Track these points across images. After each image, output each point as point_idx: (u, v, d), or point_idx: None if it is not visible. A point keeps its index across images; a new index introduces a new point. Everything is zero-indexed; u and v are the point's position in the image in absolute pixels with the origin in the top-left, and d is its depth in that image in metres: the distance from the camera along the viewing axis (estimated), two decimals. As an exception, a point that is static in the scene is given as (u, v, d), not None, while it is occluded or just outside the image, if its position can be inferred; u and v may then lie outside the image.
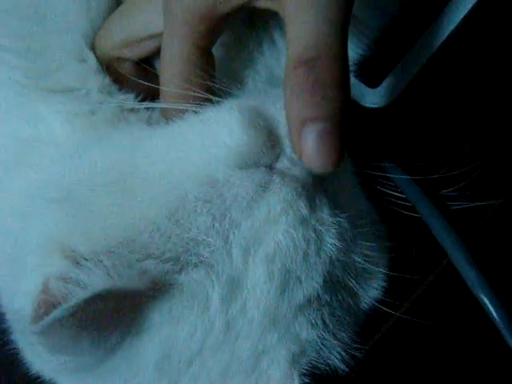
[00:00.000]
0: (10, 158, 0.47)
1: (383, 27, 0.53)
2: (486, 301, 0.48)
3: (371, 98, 0.54)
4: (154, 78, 0.48)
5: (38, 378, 0.47)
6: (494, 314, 0.48)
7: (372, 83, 0.54)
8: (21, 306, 0.41)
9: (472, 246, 0.49)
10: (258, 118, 0.42)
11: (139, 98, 0.50)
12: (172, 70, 0.45)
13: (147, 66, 0.50)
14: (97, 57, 0.49)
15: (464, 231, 0.50)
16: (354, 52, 0.53)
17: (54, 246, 0.40)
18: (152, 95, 0.49)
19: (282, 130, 0.43)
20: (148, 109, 0.49)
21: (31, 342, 0.41)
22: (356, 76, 0.54)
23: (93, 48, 0.49)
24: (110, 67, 0.49)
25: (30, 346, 0.44)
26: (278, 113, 0.43)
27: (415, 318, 0.46)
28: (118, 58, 0.49)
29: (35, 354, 0.44)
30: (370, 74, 0.54)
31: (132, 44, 0.48)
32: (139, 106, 0.48)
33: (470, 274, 0.49)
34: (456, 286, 0.49)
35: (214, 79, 0.45)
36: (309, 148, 0.37)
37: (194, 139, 0.42)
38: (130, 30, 0.48)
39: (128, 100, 0.49)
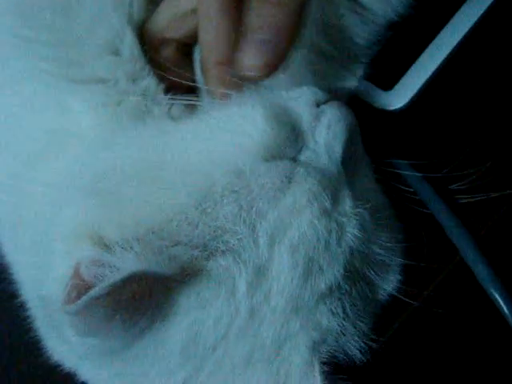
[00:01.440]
0: (40, 148, 0.48)
1: (389, 15, 0.54)
2: (497, 296, 0.49)
3: (385, 100, 0.55)
4: (191, 69, 0.50)
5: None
6: (505, 309, 0.49)
7: (386, 85, 0.55)
8: (49, 292, 0.42)
9: (484, 242, 0.50)
10: (280, 113, 0.44)
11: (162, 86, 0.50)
12: (208, 19, 0.46)
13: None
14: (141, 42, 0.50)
15: (476, 227, 0.51)
16: (363, 39, 0.53)
17: (84, 233, 0.41)
18: (180, 87, 0.50)
19: (305, 123, 0.45)
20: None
21: (58, 326, 0.42)
22: (369, 78, 0.55)
23: (139, 35, 0.50)
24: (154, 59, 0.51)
25: (55, 332, 0.45)
26: (300, 107, 0.45)
27: (427, 315, 0.47)
28: (163, 43, 0.50)
29: (61, 340, 0.45)
30: (384, 77, 0.55)
31: (177, 22, 0.50)
32: (185, 101, 0.49)
33: (480, 270, 0.50)
34: (468, 281, 0.50)
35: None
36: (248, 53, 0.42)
37: (221, 132, 0.43)
38: (175, 9, 0.50)
39: (150, 88, 0.50)
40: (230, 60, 0.46)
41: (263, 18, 0.43)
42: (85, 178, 0.44)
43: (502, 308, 0.49)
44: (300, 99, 0.45)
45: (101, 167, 0.44)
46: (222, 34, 0.46)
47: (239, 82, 0.46)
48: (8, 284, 0.51)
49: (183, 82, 0.49)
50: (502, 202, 0.52)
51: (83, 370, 0.48)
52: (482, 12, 0.54)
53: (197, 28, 0.48)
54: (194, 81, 0.51)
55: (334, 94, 0.49)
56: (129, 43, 0.49)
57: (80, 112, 0.48)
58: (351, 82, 0.54)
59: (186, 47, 0.52)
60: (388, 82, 0.55)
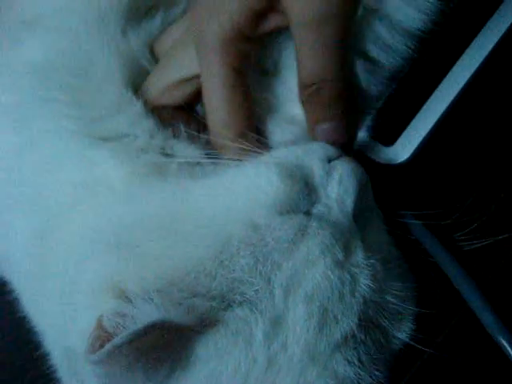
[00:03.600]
0: (68, 201, 0.50)
1: (395, 67, 0.56)
2: (504, 343, 0.50)
3: (386, 155, 0.56)
4: (196, 122, 0.53)
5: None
6: None
7: (388, 141, 0.57)
8: (73, 344, 0.44)
9: (490, 288, 0.51)
10: (294, 169, 0.46)
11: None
12: (216, 98, 0.50)
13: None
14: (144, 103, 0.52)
15: (482, 273, 0.52)
16: (368, 89, 0.56)
17: (107, 286, 0.43)
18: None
19: (317, 179, 0.47)
20: None
21: (81, 376, 0.44)
22: (371, 134, 0.57)
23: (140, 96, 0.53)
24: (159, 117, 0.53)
25: (78, 380, 0.46)
26: (313, 163, 0.47)
27: (438, 363, 0.48)
28: (162, 107, 0.53)
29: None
30: (386, 132, 0.57)
31: (169, 91, 0.52)
32: (201, 160, 0.51)
33: (486, 318, 0.51)
34: (477, 329, 0.51)
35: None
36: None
37: (237, 189, 0.46)
38: (166, 78, 0.53)
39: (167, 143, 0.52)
40: (248, 129, 0.50)
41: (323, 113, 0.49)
42: (108, 233, 0.46)
43: (510, 354, 0.49)
44: (312, 155, 0.48)
45: (123, 222, 0.46)
46: (236, 108, 0.50)
47: (260, 148, 0.49)
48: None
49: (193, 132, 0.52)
50: (507, 247, 0.53)
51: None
52: (480, 61, 0.55)
53: (190, 93, 0.52)
54: (198, 131, 0.53)
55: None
56: (140, 104, 0.52)
57: (103, 166, 0.50)
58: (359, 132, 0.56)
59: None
60: (389, 137, 0.57)
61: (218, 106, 0.50)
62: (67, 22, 0.53)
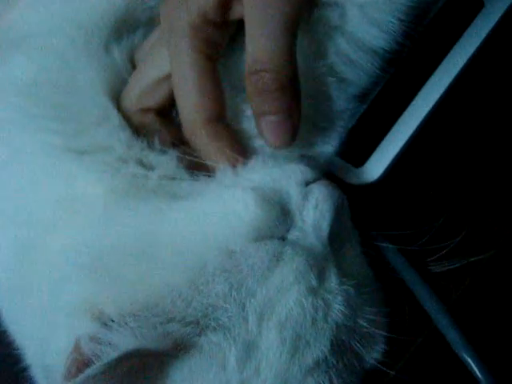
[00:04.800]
0: (49, 218, 0.50)
1: (361, 84, 0.56)
2: (469, 360, 0.51)
3: (357, 176, 0.57)
4: (175, 129, 0.53)
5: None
6: (477, 372, 0.51)
7: (358, 161, 0.57)
8: (51, 363, 0.45)
9: (455, 307, 0.53)
10: (270, 194, 0.47)
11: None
12: (186, 83, 0.49)
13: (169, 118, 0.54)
14: (123, 114, 0.52)
15: (447, 293, 0.54)
16: (338, 106, 0.56)
17: (85, 308, 0.44)
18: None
19: (294, 203, 0.47)
20: None
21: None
22: (341, 155, 0.58)
23: (119, 108, 0.53)
24: (137, 127, 0.53)
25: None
26: (289, 187, 0.48)
27: (408, 377, 0.49)
28: (142, 111, 0.53)
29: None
30: (356, 153, 0.57)
31: (147, 93, 0.52)
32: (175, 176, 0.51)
33: (452, 336, 0.52)
34: (443, 346, 0.52)
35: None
36: (265, 132, 0.48)
37: (213, 214, 0.46)
38: (143, 81, 0.53)
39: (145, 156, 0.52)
40: (219, 115, 0.49)
41: (268, 104, 0.47)
42: (86, 255, 0.46)
43: (475, 371, 0.50)
44: (289, 179, 0.48)
45: (100, 245, 0.47)
46: (207, 92, 0.49)
47: (232, 135, 0.50)
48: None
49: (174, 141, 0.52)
50: (471, 268, 0.54)
51: None
52: (450, 81, 0.56)
53: (169, 92, 0.51)
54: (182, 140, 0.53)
55: (313, 162, 0.53)
56: (116, 116, 0.52)
57: (83, 181, 0.50)
58: (328, 147, 0.56)
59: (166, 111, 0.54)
60: (360, 158, 0.57)
61: (188, 91, 0.49)
62: (54, 41, 0.53)
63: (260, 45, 0.46)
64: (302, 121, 0.49)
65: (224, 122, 0.51)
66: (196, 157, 0.51)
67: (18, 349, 0.53)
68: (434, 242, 0.52)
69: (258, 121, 0.48)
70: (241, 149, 0.50)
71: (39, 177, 0.52)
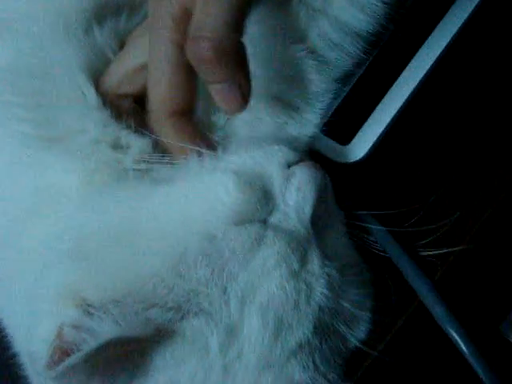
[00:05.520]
0: (28, 206, 0.50)
1: (344, 66, 0.56)
2: (454, 334, 0.51)
3: (343, 154, 0.57)
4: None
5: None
6: (463, 346, 0.51)
7: (344, 140, 0.57)
8: (36, 350, 0.45)
9: (440, 284, 0.53)
10: (252, 177, 0.47)
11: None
12: (159, 72, 0.49)
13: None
14: (100, 95, 0.51)
15: (432, 270, 0.54)
16: (319, 88, 0.56)
17: (67, 295, 0.44)
18: None
19: (276, 186, 0.47)
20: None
21: (45, 382, 0.45)
22: (327, 133, 0.57)
23: (97, 89, 0.52)
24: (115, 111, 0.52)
25: (43, 385, 0.48)
26: (271, 169, 0.48)
27: (393, 353, 0.49)
28: (120, 96, 0.52)
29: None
30: (342, 131, 0.57)
31: (126, 79, 0.52)
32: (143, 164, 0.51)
33: (437, 311, 0.52)
34: (428, 322, 0.52)
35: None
36: (217, 101, 0.46)
37: (194, 198, 0.46)
38: (125, 65, 0.52)
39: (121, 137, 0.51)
40: (187, 109, 0.49)
41: (212, 74, 0.46)
42: (66, 241, 0.46)
43: (460, 346, 0.51)
44: (271, 161, 0.48)
45: (80, 231, 0.46)
46: (177, 85, 0.49)
47: (195, 133, 0.49)
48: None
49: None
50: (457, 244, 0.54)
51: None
52: (435, 59, 0.55)
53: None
54: None
55: (294, 143, 0.53)
56: (93, 95, 0.51)
57: (61, 170, 0.50)
58: (309, 129, 0.56)
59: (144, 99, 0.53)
60: (346, 136, 0.57)
61: (159, 81, 0.49)
62: (32, 26, 0.52)
63: (206, 12, 0.45)
64: (282, 103, 0.48)
65: (190, 117, 0.50)
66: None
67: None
68: (422, 223, 0.52)
69: (209, 89, 0.47)
70: (203, 143, 0.49)
71: (15, 167, 0.52)
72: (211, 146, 0.50)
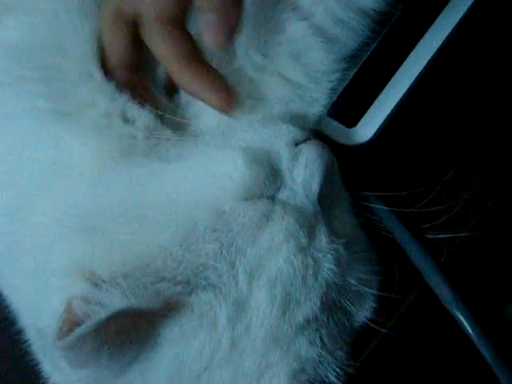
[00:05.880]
0: (40, 181, 0.50)
1: (351, 44, 0.56)
2: (460, 317, 0.51)
3: (349, 137, 0.56)
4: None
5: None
6: (469, 328, 0.51)
7: (350, 122, 0.57)
8: (44, 324, 0.45)
9: (446, 267, 0.52)
10: (260, 154, 0.47)
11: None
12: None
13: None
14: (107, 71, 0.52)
15: (438, 253, 0.53)
16: (326, 66, 0.56)
17: (76, 269, 0.44)
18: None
19: (284, 163, 0.47)
20: None
21: (53, 357, 0.45)
22: (333, 115, 0.57)
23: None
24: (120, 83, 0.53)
25: (50, 360, 0.48)
26: (279, 147, 0.48)
27: (399, 334, 0.49)
28: (123, 68, 0.53)
29: (56, 368, 0.48)
30: (349, 114, 0.57)
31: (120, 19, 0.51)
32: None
33: (443, 294, 0.52)
34: (433, 304, 0.52)
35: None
36: (204, 32, 0.47)
37: (203, 174, 0.46)
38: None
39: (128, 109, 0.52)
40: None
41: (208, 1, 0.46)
42: (76, 216, 0.47)
43: (465, 327, 0.51)
44: (279, 139, 0.48)
45: (90, 206, 0.47)
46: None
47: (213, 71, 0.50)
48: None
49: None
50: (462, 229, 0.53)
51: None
52: (442, 41, 0.55)
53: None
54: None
55: (301, 123, 0.53)
56: (96, 68, 0.51)
57: (73, 145, 0.50)
58: (316, 108, 0.56)
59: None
60: (353, 119, 0.57)
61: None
62: (46, 2, 0.53)
63: None
64: (288, 81, 0.48)
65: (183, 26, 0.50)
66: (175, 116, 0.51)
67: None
68: (429, 206, 0.52)
69: (199, 18, 0.47)
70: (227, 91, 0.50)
71: (28, 140, 0.52)
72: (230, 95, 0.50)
